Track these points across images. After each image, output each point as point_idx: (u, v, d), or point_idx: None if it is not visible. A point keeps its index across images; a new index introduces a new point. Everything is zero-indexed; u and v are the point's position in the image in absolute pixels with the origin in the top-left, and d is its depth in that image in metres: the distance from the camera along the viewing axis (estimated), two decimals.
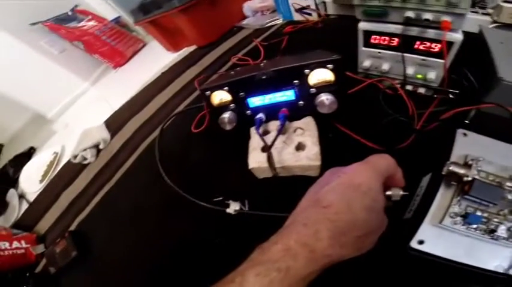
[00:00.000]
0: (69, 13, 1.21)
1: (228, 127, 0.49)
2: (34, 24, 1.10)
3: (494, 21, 0.51)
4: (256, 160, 0.44)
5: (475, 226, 0.28)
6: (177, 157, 0.60)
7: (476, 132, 0.34)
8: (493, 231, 0.27)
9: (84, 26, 1.18)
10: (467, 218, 0.28)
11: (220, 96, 0.48)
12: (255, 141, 0.46)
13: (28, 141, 1.10)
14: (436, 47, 0.41)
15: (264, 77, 0.44)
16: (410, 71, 0.45)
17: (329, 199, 0.24)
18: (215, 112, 0.50)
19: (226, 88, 0.47)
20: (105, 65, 1.29)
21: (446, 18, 0.37)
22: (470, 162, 0.30)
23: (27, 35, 1.09)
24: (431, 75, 0.43)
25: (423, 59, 0.43)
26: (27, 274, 0.55)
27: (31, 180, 0.84)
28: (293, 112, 0.46)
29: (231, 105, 0.49)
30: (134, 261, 0.48)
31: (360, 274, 0.31)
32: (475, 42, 0.41)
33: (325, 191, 0.25)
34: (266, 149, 0.41)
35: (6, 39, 1.04)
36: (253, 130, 0.48)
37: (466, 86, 0.42)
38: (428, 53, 0.42)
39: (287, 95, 0.46)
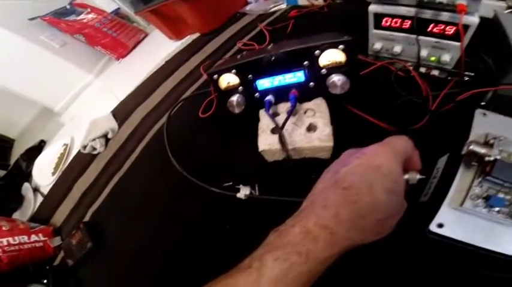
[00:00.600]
0: (68, 7, 1.19)
1: (237, 110, 0.48)
2: (33, 19, 1.09)
3: (509, 7, 0.49)
4: (266, 142, 0.43)
5: (497, 208, 0.27)
6: (185, 142, 0.60)
7: None
8: None
9: (83, 19, 1.17)
10: (489, 200, 0.27)
11: (228, 80, 0.48)
12: (264, 124, 0.46)
13: (38, 135, 1.11)
14: (451, 30, 0.40)
15: (273, 59, 0.43)
16: (423, 53, 0.44)
17: (349, 180, 0.23)
18: (223, 96, 0.49)
19: (234, 71, 0.46)
20: (108, 57, 1.28)
21: (461, 1, 0.36)
22: (491, 141, 0.28)
23: (26, 31, 1.08)
24: (446, 57, 0.42)
25: (437, 42, 0.42)
26: (47, 267, 0.56)
27: (43, 173, 0.85)
28: (303, 94, 0.46)
29: (239, 88, 0.48)
30: (147, 249, 0.48)
31: (378, 257, 0.31)
32: (488, 26, 0.40)
33: (344, 172, 0.24)
34: (277, 129, 0.41)
35: (6, 35, 1.03)
36: (262, 112, 0.47)
37: (481, 68, 0.42)
38: (442, 35, 0.41)
39: (297, 76, 0.45)
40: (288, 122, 0.42)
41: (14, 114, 1.32)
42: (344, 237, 0.22)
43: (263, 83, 0.47)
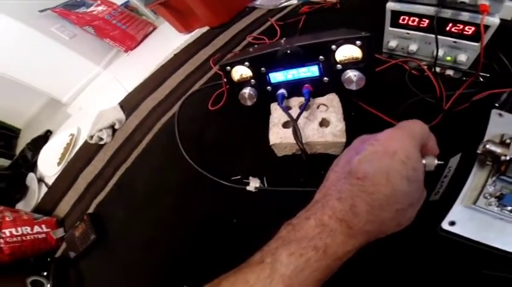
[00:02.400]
0: None
1: (249, 103, 0.48)
2: (43, 11, 1.10)
3: None
4: (277, 135, 0.43)
5: (510, 207, 0.27)
6: (194, 135, 0.59)
7: None
8: None
9: (93, 11, 1.17)
10: (502, 199, 0.27)
11: (240, 72, 0.47)
12: (276, 117, 0.45)
13: (44, 125, 1.11)
14: (470, 30, 0.39)
15: (288, 52, 0.42)
16: (439, 52, 0.43)
17: (364, 170, 0.22)
18: (235, 88, 0.48)
19: (247, 63, 0.45)
20: (116, 49, 1.28)
21: (484, 1, 0.35)
22: (508, 141, 0.28)
23: (37, 22, 1.08)
24: (462, 57, 0.42)
25: (455, 41, 0.41)
26: (48, 259, 0.56)
27: (49, 163, 0.85)
28: (317, 88, 0.45)
29: (252, 80, 0.47)
30: (152, 243, 0.48)
31: (389, 254, 0.30)
32: (505, 27, 0.39)
33: (357, 161, 0.22)
34: (291, 122, 0.40)
35: (17, 26, 1.04)
36: (274, 106, 0.47)
37: (497, 69, 0.42)
38: (460, 35, 0.40)
39: (311, 71, 0.44)
40: (301, 116, 0.41)
41: (20, 104, 1.32)
42: (362, 230, 0.21)
43: (276, 77, 0.46)
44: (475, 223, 0.27)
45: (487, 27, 0.37)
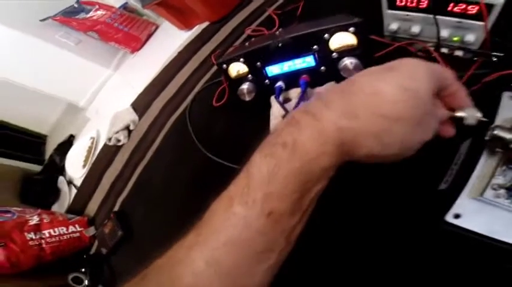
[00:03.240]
0: (76, 5, 1.22)
1: (248, 98, 0.50)
2: (44, 20, 1.13)
3: None
4: None
5: None
6: (201, 132, 0.62)
7: None
8: None
9: (93, 16, 1.19)
10: (511, 190, 0.25)
11: (237, 68, 0.49)
12: (276, 110, 0.47)
13: (67, 130, 1.20)
14: (474, 9, 0.36)
15: (280, 45, 0.44)
16: (444, 33, 0.41)
17: (355, 79, 0.20)
18: (234, 84, 0.50)
19: (242, 60, 0.47)
20: (122, 51, 1.32)
21: None
22: None
23: (41, 32, 1.12)
24: (470, 37, 0.39)
25: (459, 21, 0.39)
26: (84, 256, 0.61)
27: (75, 166, 0.92)
28: (315, 78, 0.46)
29: (249, 76, 0.49)
30: (174, 235, 0.52)
31: (391, 248, 0.30)
32: None
33: (357, 74, 0.21)
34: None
35: (22, 37, 1.08)
36: (273, 99, 0.48)
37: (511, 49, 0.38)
38: (464, 15, 0.38)
39: (307, 61, 0.45)
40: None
41: (43, 112, 1.41)
42: (333, 127, 0.18)
43: (272, 70, 0.47)
44: (483, 215, 0.24)
45: (490, 5, 0.34)
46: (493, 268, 0.25)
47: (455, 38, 0.42)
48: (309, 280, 0.32)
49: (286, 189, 0.18)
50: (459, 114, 0.22)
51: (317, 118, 0.19)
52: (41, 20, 1.13)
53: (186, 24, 1.08)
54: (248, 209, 0.18)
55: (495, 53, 0.40)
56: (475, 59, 0.41)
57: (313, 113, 0.19)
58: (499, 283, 0.24)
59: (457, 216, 0.25)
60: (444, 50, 0.44)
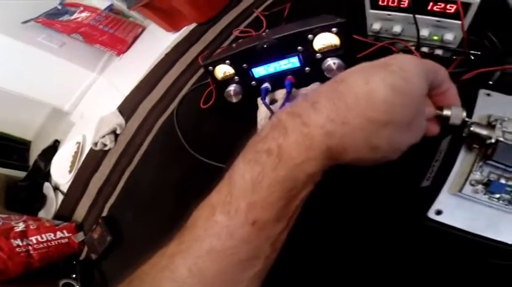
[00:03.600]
0: (59, 7, 1.19)
1: (235, 99, 0.50)
2: (26, 22, 1.10)
3: None
4: None
5: (497, 195, 0.25)
6: (189, 134, 0.62)
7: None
8: None
9: (77, 17, 1.16)
10: (489, 186, 0.25)
11: (223, 70, 0.49)
12: (263, 111, 0.47)
13: (52, 135, 1.16)
14: (452, 8, 0.38)
15: (265, 46, 0.44)
16: (425, 32, 0.43)
17: (343, 75, 0.19)
18: (221, 86, 0.50)
19: (228, 61, 0.47)
20: (108, 54, 1.29)
21: None
22: (494, 122, 0.26)
23: (23, 34, 1.09)
24: (449, 36, 0.41)
25: (438, 21, 0.40)
26: (74, 262, 0.60)
27: (61, 171, 0.90)
28: (300, 79, 0.46)
29: (235, 77, 0.49)
30: (164, 239, 0.51)
31: (375, 245, 0.30)
32: (495, 4, 0.38)
33: (346, 71, 0.20)
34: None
35: (3, 40, 1.05)
36: (260, 100, 0.48)
37: (488, 47, 0.40)
38: (443, 14, 0.39)
39: (292, 62, 0.46)
40: None
41: (27, 117, 1.37)
42: (321, 131, 0.17)
43: (259, 71, 0.48)
44: (463, 211, 0.25)
45: (467, 4, 0.36)
46: (475, 263, 0.26)
47: (435, 37, 0.43)
48: (293, 279, 0.32)
49: (271, 197, 0.17)
50: (447, 113, 0.22)
51: (303, 121, 0.18)
52: (22, 23, 1.10)
53: (173, 26, 1.07)
54: (231, 219, 0.17)
55: (473, 52, 0.41)
56: (454, 57, 0.43)
57: (299, 115, 0.18)
58: (481, 277, 0.25)
59: (438, 212, 0.25)
60: (425, 49, 0.45)
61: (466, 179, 0.26)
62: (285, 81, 0.46)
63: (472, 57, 0.41)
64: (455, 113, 0.21)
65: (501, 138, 0.25)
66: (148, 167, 0.67)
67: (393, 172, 0.30)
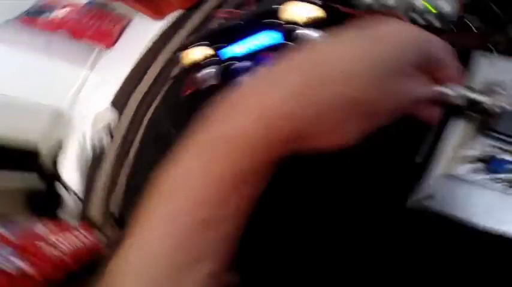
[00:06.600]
0: (39, 4, 1.16)
1: (213, 82, 0.49)
2: (5, 22, 1.06)
3: None
4: None
5: (501, 175, 0.21)
6: (179, 121, 0.62)
7: None
8: None
9: (60, 14, 1.13)
10: (490, 163, 0.21)
11: (198, 53, 0.47)
12: None
13: (55, 135, 1.18)
14: None
15: (239, 23, 0.42)
16: (418, 3, 0.40)
17: (315, 47, 0.18)
18: (196, 70, 0.49)
19: (202, 43, 0.45)
20: (97, 49, 1.27)
21: None
22: (494, 87, 0.22)
23: (4, 36, 1.04)
24: (445, 6, 0.38)
25: None
26: (93, 260, 0.61)
27: (69, 171, 0.93)
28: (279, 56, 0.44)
29: (212, 59, 0.48)
30: None
31: (357, 232, 0.28)
32: None
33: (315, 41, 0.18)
34: None
35: None
36: (238, 80, 0.47)
37: (488, 16, 0.37)
38: None
39: (272, 37, 0.44)
40: None
41: (28, 121, 1.39)
42: (277, 110, 0.15)
43: (235, 50, 0.46)
44: (457, 195, 0.21)
45: None
46: (473, 257, 0.22)
47: (430, 8, 0.40)
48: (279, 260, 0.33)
49: (219, 194, 0.15)
50: (444, 89, 0.18)
51: (258, 101, 0.15)
52: (1, 23, 1.08)
53: (159, 13, 1.04)
54: (172, 221, 0.16)
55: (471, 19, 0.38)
56: (452, 27, 0.40)
57: (252, 94, 0.16)
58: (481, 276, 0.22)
59: (426, 197, 0.22)
60: (422, 22, 0.42)
61: (463, 156, 0.22)
62: (263, 58, 0.44)
63: (474, 29, 0.38)
64: (457, 92, 0.18)
65: (506, 105, 0.21)
66: (145, 161, 0.68)
67: (389, 148, 0.28)
